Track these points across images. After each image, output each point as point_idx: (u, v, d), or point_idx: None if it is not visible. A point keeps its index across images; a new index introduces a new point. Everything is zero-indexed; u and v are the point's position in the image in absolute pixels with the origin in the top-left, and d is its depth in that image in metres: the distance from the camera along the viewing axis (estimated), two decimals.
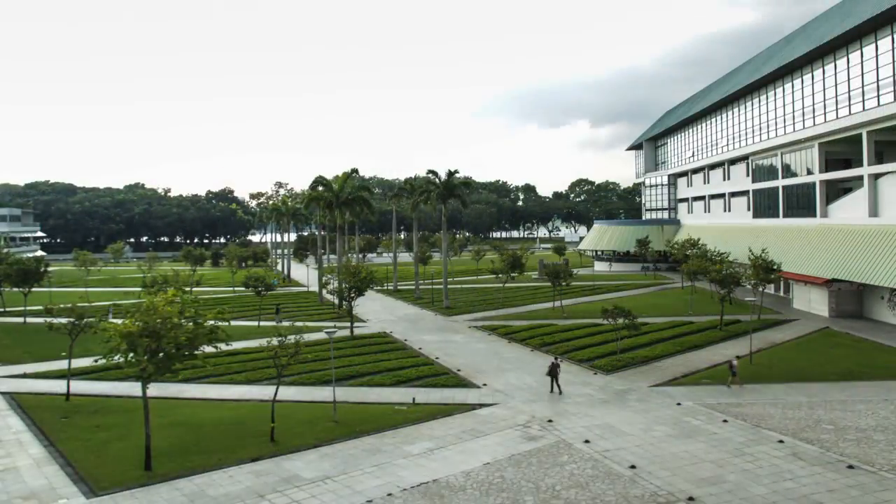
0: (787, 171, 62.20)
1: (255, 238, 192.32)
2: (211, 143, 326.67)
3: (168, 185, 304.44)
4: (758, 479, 19.88)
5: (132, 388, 30.35)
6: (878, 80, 46.11)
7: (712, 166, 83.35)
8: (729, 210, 78.38)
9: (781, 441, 23.17)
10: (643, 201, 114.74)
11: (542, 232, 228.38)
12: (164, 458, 21.97)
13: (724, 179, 79.10)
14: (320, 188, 64.27)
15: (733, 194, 77.09)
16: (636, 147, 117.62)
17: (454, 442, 23.76)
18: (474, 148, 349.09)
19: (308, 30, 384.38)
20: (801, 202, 60.06)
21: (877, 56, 46.13)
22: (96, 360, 23.14)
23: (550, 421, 26.04)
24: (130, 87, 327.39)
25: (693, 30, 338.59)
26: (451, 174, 61.50)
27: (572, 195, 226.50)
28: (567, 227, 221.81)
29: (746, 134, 70.98)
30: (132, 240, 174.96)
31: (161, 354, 21.34)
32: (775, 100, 63.30)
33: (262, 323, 49.90)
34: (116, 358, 21.84)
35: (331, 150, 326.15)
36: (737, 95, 71.81)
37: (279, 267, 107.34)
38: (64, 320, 30.35)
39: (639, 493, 19.08)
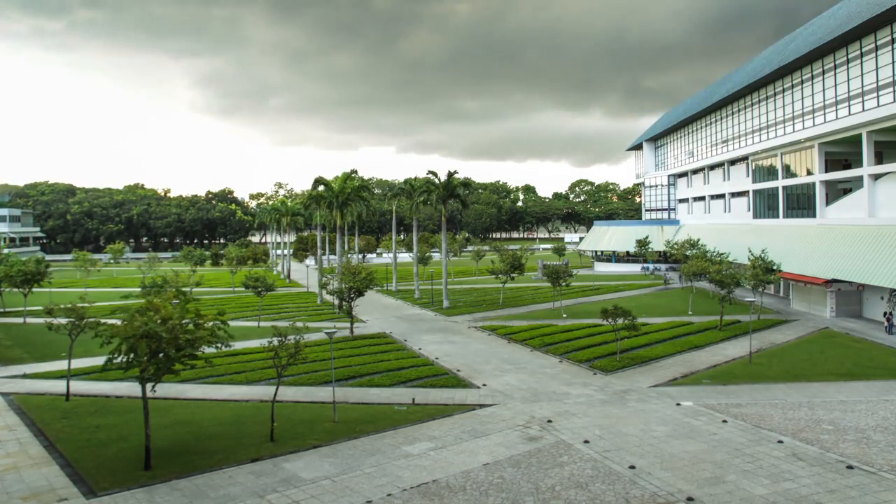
0: (788, 172, 62.23)
1: (255, 239, 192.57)
2: (210, 142, 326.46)
3: (167, 185, 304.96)
4: (757, 479, 19.89)
5: (132, 388, 30.39)
6: (877, 81, 46.15)
7: (712, 167, 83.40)
8: (729, 210, 78.41)
9: (781, 441, 23.17)
10: (643, 202, 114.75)
11: (542, 232, 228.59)
12: (164, 458, 21.97)
13: (724, 180, 79.14)
14: (321, 188, 64.30)
15: (733, 195, 77.11)
16: (636, 147, 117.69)
17: (454, 442, 23.75)
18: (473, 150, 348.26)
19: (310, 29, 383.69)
20: (801, 202, 60.10)
21: (876, 56, 46.18)
22: (105, 364, 23.11)
23: (550, 421, 26.05)
24: (132, 84, 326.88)
25: None
26: (450, 175, 61.52)
27: (572, 195, 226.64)
28: (567, 228, 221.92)
29: (746, 134, 71.04)
30: (132, 240, 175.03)
31: (161, 355, 21.35)
32: (775, 100, 63.36)
33: (261, 323, 49.93)
34: (118, 359, 21.85)
35: (331, 152, 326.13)
36: (737, 96, 71.86)
37: (279, 267, 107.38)
38: (64, 321, 30.36)
39: (638, 493, 19.08)
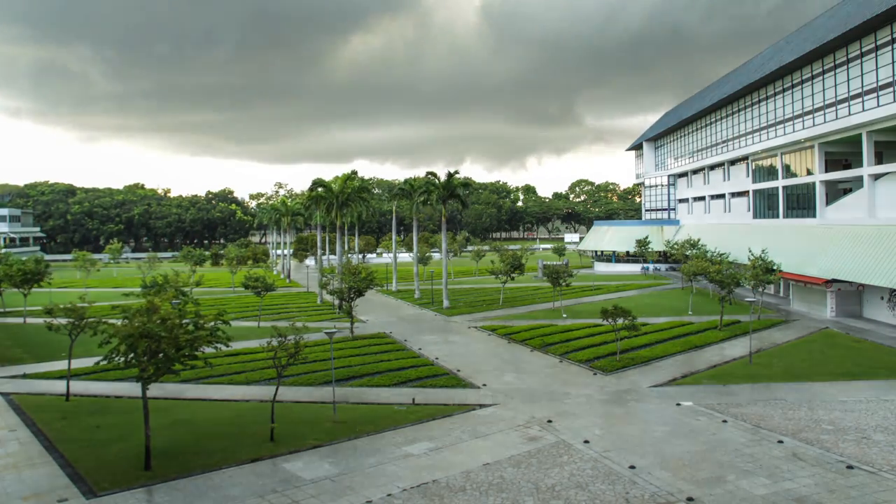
0: (788, 172, 62.24)
1: (255, 239, 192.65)
2: (211, 142, 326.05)
3: (168, 185, 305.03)
4: (757, 479, 19.88)
5: (132, 388, 30.41)
6: (877, 81, 46.16)
7: (712, 167, 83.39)
8: (729, 210, 78.42)
9: (781, 441, 23.16)
10: (643, 202, 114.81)
11: (542, 232, 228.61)
12: (164, 459, 21.97)
13: (725, 180, 79.15)
14: (320, 189, 64.32)
15: (733, 195, 77.11)
16: (636, 147, 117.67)
17: (454, 442, 23.75)
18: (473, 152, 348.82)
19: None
20: (801, 203, 60.11)
21: (876, 56, 46.18)
22: (99, 362, 23.14)
23: (550, 421, 26.05)
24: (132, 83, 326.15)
25: None
26: (450, 175, 61.54)
27: (572, 195, 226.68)
28: (567, 228, 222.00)
29: (746, 134, 71.04)
30: (132, 240, 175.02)
31: (161, 355, 21.35)
32: (775, 100, 63.35)
33: (261, 323, 49.94)
34: (117, 359, 21.86)
35: (332, 153, 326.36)
36: (737, 96, 71.87)
37: (279, 267, 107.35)
38: (64, 321, 30.35)
39: (638, 493, 19.08)
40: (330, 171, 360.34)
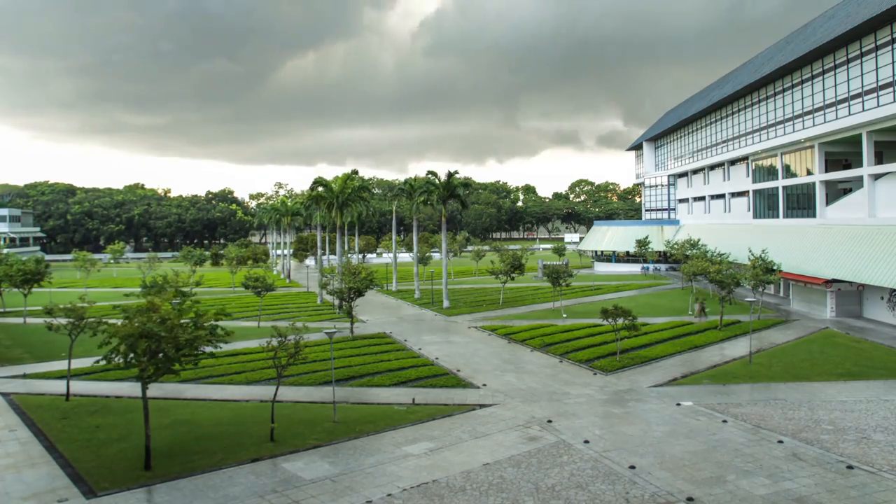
0: (788, 172, 62.24)
1: (256, 239, 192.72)
2: (212, 142, 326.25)
3: (168, 185, 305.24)
4: (757, 479, 19.89)
5: (132, 389, 30.42)
6: (877, 81, 46.16)
7: (712, 167, 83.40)
8: (729, 210, 78.42)
9: (781, 441, 23.16)
10: (643, 202, 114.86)
11: (542, 232, 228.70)
12: (164, 459, 21.97)
13: (725, 180, 79.15)
14: (320, 189, 64.32)
15: (733, 195, 77.13)
16: (636, 147, 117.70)
17: (454, 442, 23.75)
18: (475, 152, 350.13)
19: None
20: (801, 202, 60.12)
21: (876, 56, 46.18)
22: (97, 361, 23.14)
23: (550, 421, 26.05)
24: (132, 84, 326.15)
25: None
26: (450, 175, 61.53)
27: (572, 195, 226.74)
28: (567, 228, 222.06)
29: (746, 134, 71.04)
30: (132, 240, 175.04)
31: (161, 355, 21.35)
32: (775, 100, 63.36)
33: (261, 323, 49.95)
34: (116, 359, 21.85)
35: (296, 155, 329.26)
36: (737, 95, 71.87)
37: (279, 267, 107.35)
38: (64, 321, 30.36)
39: (638, 493, 19.08)
40: (295, 172, 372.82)
